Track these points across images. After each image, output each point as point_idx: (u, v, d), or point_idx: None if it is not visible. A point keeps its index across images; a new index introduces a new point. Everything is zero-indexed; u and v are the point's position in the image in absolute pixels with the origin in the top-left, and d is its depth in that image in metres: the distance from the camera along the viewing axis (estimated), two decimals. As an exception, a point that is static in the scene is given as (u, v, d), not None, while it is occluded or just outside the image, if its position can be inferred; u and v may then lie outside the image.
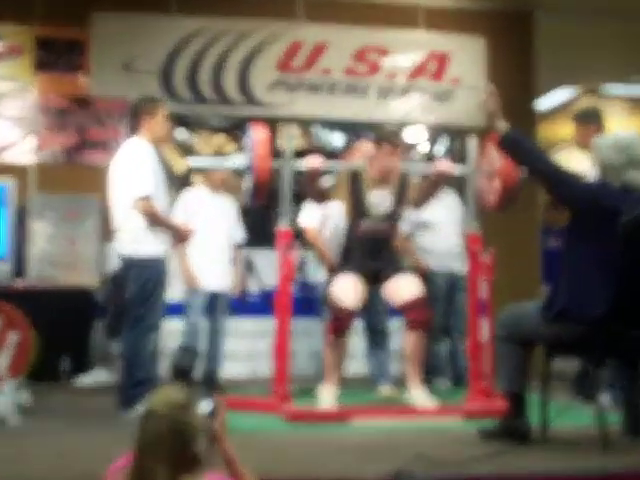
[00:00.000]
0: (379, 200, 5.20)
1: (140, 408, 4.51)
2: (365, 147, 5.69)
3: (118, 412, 4.79)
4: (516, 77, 7.95)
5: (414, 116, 7.94)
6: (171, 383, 3.03)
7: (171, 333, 6.82)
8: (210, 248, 5.94)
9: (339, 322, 5.01)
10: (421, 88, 7.93)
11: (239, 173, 5.94)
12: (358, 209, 5.19)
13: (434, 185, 5.34)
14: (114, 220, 5.01)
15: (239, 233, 6.23)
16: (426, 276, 6.13)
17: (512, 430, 3.99)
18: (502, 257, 6.05)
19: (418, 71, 7.93)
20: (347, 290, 5.06)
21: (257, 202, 5.16)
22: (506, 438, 3.96)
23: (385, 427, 4.48)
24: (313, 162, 5.07)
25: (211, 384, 5.86)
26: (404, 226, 5.95)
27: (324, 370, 5.19)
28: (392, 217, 5.24)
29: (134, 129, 5.12)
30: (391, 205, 5.21)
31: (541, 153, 4.10)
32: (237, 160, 5.19)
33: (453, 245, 6.30)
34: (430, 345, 6.07)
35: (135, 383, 4.77)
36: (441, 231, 6.31)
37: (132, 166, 4.90)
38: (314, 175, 5.09)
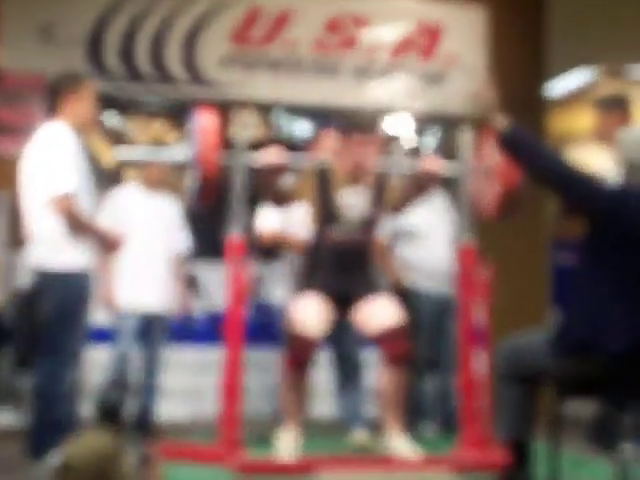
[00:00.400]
0: (351, 201, 5.19)
1: (56, 456, 4.46)
2: (332, 138, 5.69)
3: (27, 461, 4.71)
4: (523, 56, 8.00)
5: (398, 102, 7.95)
6: (95, 426, 2.98)
7: (96, 364, 6.78)
8: (145, 259, 5.90)
9: (298, 354, 4.98)
10: (407, 68, 7.95)
11: (181, 168, 5.91)
12: (326, 213, 5.18)
13: (420, 187, 5.35)
14: (26, 224, 4.95)
15: (183, 241, 6.18)
16: (409, 297, 6.13)
17: (514, 487, 3.99)
18: (502, 275, 6.07)
19: (404, 47, 7.95)
20: (309, 315, 5.04)
21: (202, 204, 5.14)
22: (506, 497, 3.96)
23: (358, 482, 4.46)
24: (272, 156, 5.06)
25: (144, 427, 5.82)
26: (383, 233, 5.94)
27: (283, 412, 5.17)
28: (367, 223, 5.23)
29: (53, 111, 5.07)
30: (366, 208, 5.21)
31: (549, 152, 4.11)
32: (179, 152, 5.15)
33: (443, 259, 6.31)
34: (414, 382, 6.07)
35: (50, 425, 4.72)
36: (429, 242, 6.32)
37: (50, 157, 4.85)
38: (273, 172, 5.08)
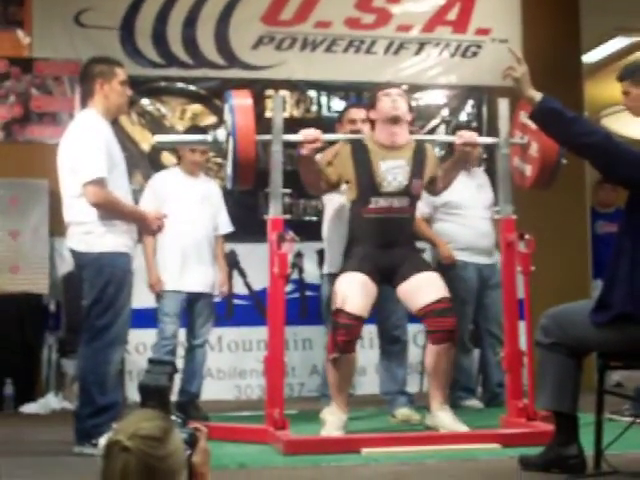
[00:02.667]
0: (391, 170, 5.13)
1: (103, 442, 4.47)
2: (357, 114, 5.66)
3: (75, 447, 4.74)
4: (558, 26, 7.91)
5: (431, 76, 7.90)
6: (141, 408, 2.96)
7: (140, 347, 6.82)
8: (188, 241, 5.90)
9: (344, 333, 4.97)
10: (440, 42, 7.89)
11: (219, 150, 5.90)
12: (366, 184, 5.12)
13: (458, 162, 5.31)
14: (63, 210, 4.96)
15: (225, 224, 6.17)
16: (450, 270, 6.09)
17: (561, 459, 3.95)
18: (544, 247, 6.02)
19: (436, 21, 7.89)
20: (354, 292, 5.01)
21: (241, 185, 5.12)
22: (554, 469, 3.93)
23: (404, 457, 4.45)
24: (309, 133, 5.03)
25: (190, 408, 5.83)
26: (422, 207, 5.92)
27: (329, 390, 5.17)
28: (409, 192, 5.16)
29: (85, 98, 5.07)
30: (407, 177, 5.14)
31: (585, 123, 4.03)
32: (215, 134, 5.11)
33: (483, 233, 6.27)
34: (459, 357, 6.05)
35: (96, 410, 4.71)
36: (469, 215, 6.26)
37: (80, 145, 4.82)
38: (311, 151, 5.04)
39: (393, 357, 5.80)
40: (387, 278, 5.13)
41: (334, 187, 5.29)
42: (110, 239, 4.81)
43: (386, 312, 5.63)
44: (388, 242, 5.12)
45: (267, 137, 5.03)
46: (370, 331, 6.14)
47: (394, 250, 5.12)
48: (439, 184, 5.35)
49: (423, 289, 5.04)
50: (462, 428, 4.97)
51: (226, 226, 6.18)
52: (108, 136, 4.90)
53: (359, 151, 5.16)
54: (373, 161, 5.12)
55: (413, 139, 5.28)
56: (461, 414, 5.21)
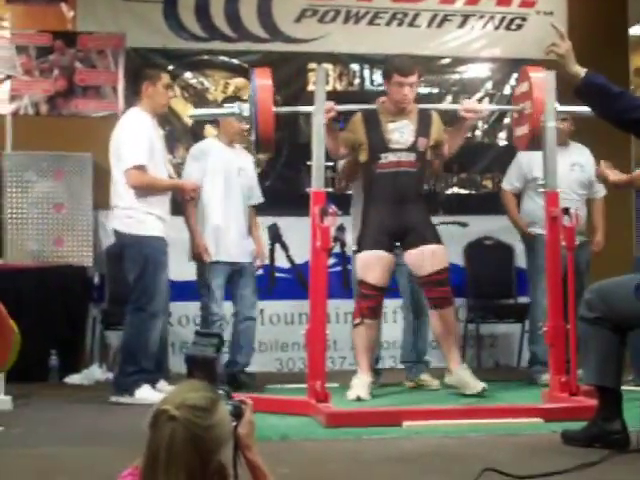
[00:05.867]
0: (398, 129, 5.44)
1: (139, 393, 5.29)
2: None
3: (112, 397, 5.48)
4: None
5: (475, 49, 7.84)
6: (188, 379, 2.98)
7: (183, 319, 6.89)
8: (227, 212, 5.96)
9: (367, 301, 5.32)
10: (484, 14, 7.82)
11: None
12: (376, 142, 5.44)
13: (460, 128, 5.62)
14: (111, 194, 5.63)
15: (257, 194, 6.23)
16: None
17: (604, 435, 3.94)
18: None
19: (480, -7, 7.83)
20: (373, 266, 5.33)
21: (263, 151, 5.81)
22: (596, 444, 3.91)
23: (445, 431, 4.45)
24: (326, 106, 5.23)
25: (235, 379, 5.86)
26: (514, 182, 6.29)
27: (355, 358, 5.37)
28: (415, 149, 5.45)
29: (135, 94, 5.88)
30: (413, 135, 5.44)
31: (632, 98, 3.99)
32: (241, 107, 5.41)
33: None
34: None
35: (139, 370, 5.45)
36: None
37: (123, 136, 5.57)
38: (328, 120, 5.20)
39: (415, 330, 5.99)
40: (399, 239, 5.45)
41: (352, 150, 5.55)
42: (149, 224, 5.54)
43: (404, 281, 5.92)
44: (400, 197, 5.42)
45: (284, 109, 5.73)
46: (396, 306, 6.22)
47: (405, 207, 5.43)
48: (445, 148, 5.65)
49: (426, 261, 5.38)
50: (480, 385, 5.25)
51: (258, 197, 6.25)
52: (151, 130, 5.63)
53: (370, 116, 5.52)
54: (382, 122, 5.47)
55: (418, 106, 5.58)
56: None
